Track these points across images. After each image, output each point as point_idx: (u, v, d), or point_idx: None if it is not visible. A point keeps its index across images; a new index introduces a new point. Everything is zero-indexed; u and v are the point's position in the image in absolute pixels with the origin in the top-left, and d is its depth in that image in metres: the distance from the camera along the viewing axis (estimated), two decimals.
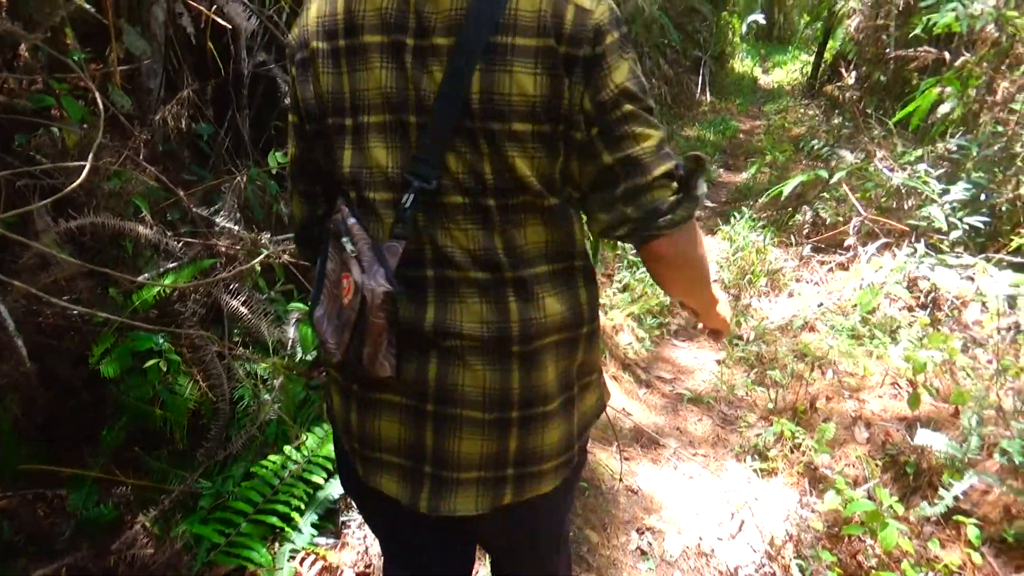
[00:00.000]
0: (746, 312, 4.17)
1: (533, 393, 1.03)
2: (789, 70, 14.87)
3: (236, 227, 2.51)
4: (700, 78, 10.79)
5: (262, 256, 2.41)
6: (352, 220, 1.01)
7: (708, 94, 10.91)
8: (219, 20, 2.65)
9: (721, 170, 7.71)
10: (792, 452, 2.86)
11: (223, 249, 2.45)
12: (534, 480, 1.07)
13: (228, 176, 2.90)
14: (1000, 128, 4.36)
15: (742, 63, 15.15)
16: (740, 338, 3.88)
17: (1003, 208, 4.01)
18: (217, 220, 2.53)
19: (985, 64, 5.02)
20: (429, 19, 0.93)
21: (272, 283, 2.64)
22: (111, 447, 2.04)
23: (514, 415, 1.02)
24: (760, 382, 3.45)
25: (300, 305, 2.43)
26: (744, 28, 15.02)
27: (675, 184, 0.96)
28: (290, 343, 2.40)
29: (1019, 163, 3.98)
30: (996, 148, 4.26)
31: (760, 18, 15.12)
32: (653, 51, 8.99)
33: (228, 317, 2.32)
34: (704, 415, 3.28)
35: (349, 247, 1.00)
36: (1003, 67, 4.99)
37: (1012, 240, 3.74)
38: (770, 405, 3.23)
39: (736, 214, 5.44)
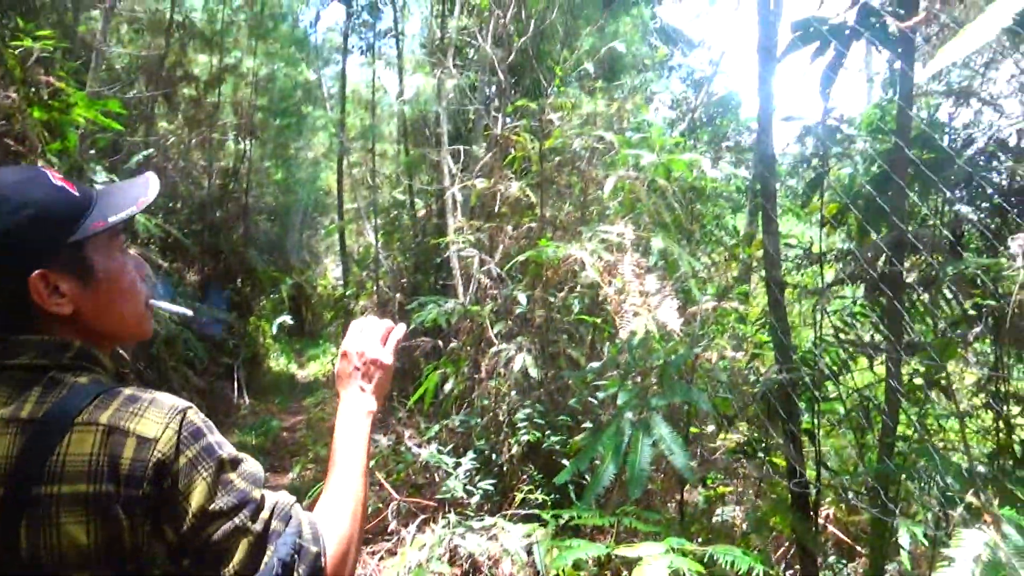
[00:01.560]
0: None
1: None
2: (323, 362, 15.85)
3: None
4: (235, 383, 10.81)
5: None
6: None
7: (246, 397, 10.92)
8: None
9: (267, 474, 7.57)
10: None
11: None
12: None
13: None
14: (486, 401, 5.19)
15: (277, 362, 15.71)
16: None
17: (505, 469, 4.68)
18: None
19: (469, 348, 6.07)
20: None
21: None
22: None
23: None
24: None
25: None
26: (275, 329, 15.76)
27: None
28: None
29: (506, 428, 4.75)
30: (488, 417, 5.03)
31: (288, 319, 16.05)
32: (180, 366, 8.82)
33: None
34: None
35: None
36: (481, 347, 6.09)
37: (516, 496, 4.33)
38: None
39: None
